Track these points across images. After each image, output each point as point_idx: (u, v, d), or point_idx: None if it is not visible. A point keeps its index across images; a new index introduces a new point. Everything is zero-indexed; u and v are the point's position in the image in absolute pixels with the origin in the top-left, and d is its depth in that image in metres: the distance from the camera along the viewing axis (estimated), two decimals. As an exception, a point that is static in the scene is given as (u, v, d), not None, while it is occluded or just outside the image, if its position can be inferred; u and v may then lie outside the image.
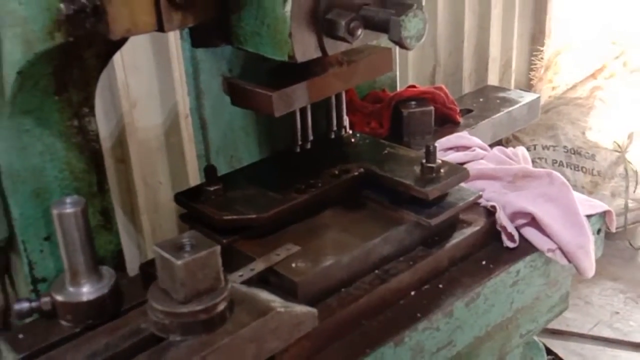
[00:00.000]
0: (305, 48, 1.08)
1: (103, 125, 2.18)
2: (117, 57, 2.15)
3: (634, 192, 3.46)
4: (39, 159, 1.17)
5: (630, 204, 3.44)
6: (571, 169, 3.55)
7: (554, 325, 2.83)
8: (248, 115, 1.54)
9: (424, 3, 1.16)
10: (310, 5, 1.06)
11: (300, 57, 1.08)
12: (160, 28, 1.05)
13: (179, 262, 0.96)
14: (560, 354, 2.68)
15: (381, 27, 1.08)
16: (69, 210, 1.08)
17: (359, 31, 1.08)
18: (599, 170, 3.52)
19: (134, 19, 1.01)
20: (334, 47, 1.11)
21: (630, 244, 3.49)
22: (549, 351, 1.95)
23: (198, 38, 1.20)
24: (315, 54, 1.10)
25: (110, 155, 2.33)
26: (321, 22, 1.07)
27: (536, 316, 1.46)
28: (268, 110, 1.23)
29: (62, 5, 1.00)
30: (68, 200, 1.09)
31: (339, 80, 1.32)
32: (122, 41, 1.09)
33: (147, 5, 1.02)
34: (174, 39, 2.26)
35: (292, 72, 1.20)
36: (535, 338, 1.61)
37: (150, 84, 2.39)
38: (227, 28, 1.13)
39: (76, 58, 1.12)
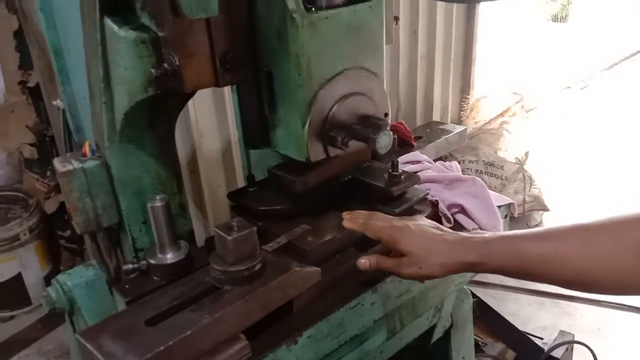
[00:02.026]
0: (316, 153, 1.12)
1: (181, 148, 2.19)
2: (190, 103, 2.16)
3: (529, 190, 3.46)
4: (138, 171, 1.16)
5: (527, 199, 3.44)
6: (488, 175, 3.55)
7: (477, 278, 2.83)
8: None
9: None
10: (318, 127, 1.08)
11: (313, 159, 1.12)
12: (217, 84, 1.04)
13: (230, 238, 0.96)
14: (482, 297, 2.67)
15: (363, 140, 1.11)
16: (158, 204, 1.08)
17: (350, 143, 1.11)
18: (506, 176, 3.51)
19: (200, 79, 1.01)
20: (334, 152, 1.14)
21: (527, 224, 3.49)
22: (474, 295, 1.94)
23: (250, 144, 1.23)
24: (322, 156, 1.14)
25: (186, 168, 2.33)
26: (326, 136, 1.10)
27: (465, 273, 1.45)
28: (293, 189, 1.26)
29: (152, 70, 0.99)
30: (158, 197, 1.09)
31: (338, 166, 1.32)
32: (192, 93, 1.08)
33: (208, 69, 1.01)
34: (228, 91, 2.26)
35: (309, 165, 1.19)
36: (465, 287, 1.60)
37: (212, 121, 2.39)
38: (268, 139, 1.17)
39: (162, 104, 1.11)
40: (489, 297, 2.81)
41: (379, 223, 1.10)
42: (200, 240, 1.40)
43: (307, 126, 1.06)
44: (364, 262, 1.10)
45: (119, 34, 0.98)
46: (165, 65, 0.97)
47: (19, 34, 2.57)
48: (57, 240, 2.97)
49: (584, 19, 8.38)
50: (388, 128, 1.11)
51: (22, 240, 2.65)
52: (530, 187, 3.44)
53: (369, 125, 1.11)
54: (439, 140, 2.41)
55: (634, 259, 0.83)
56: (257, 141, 1.18)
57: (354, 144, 1.11)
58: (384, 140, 1.09)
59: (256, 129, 1.15)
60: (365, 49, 1.11)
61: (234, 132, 2.38)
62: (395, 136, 1.95)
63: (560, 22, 8.76)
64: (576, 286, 0.94)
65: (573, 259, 0.89)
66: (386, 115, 1.19)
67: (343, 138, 1.09)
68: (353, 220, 1.14)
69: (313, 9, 0.99)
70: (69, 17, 1.23)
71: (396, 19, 1.31)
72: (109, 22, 0.99)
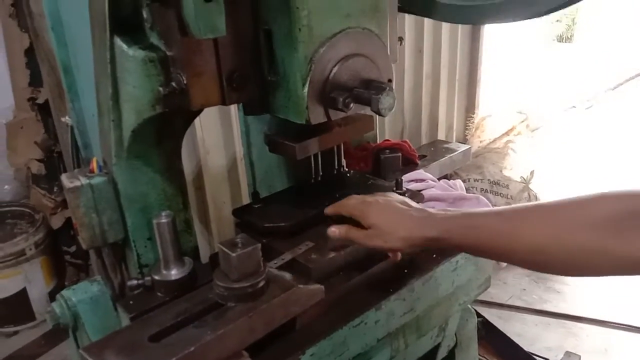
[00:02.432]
0: (316, 115, 1.08)
1: (187, 164, 2.20)
2: (196, 119, 2.18)
3: (534, 210, 3.43)
4: (145, 187, 1.17)
5: (532, 218, 3.41)
6: (493, 194, 3.54)
7: (482, 297, 2.81)
8: (280, 159, 1.54)
9: (394, 86, 1.16)
10: (319, 88, 1.05)
11: (314, 121, 1.07)
12: (223, 103, 1.05)
13: (234, 254, 0.96)
14: (487, 317, 2.65)
15: (366, 102, 1.08)
16: (164, 220, 1.09)
17: (351, 105, 1.07)
18: (512, 195, 3.50)
19: (206, 97, 1.02)
20: (335, 115, 1.10)
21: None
22: (479, 315, 1.92)
23: (248, 109, 1.19)
24: (323, 119, 1.09)
25: (191, 184, 2.34)
26: (327, 98, 1.07)
27: (469, 291, 1.44)
28: (293, 155, 1.23)
29: (160, 89, 1.01)
30: (163, 214, 1.10)
31: (339, 135, 1.31)
32: (199, 111, 1.09)
33: (215, 88, 1.03)
34: (234, 109, 2.28)
35: (309, 130, 1.19)
36: (469, 306, 1.59)
37: (218, 138, 2.41)
38: (266, 103, 1.12)
39: (169, 121, 1.12)
40: (494, 316, 2.79)
41: (351, 201, 1.16)
42: (204, 256, 1.40)
43: (307, 86, 1.02)
44: (333, 230, 1.14)
45: (128, 52, 1.00)
46: (173, 83, 0.99)
47: (29, 52, 2.61)
48: (62, 256, 2.98)
49: (588, 39, 8.41)
50: (391, 90, 1.08)
51: (27, 255, 2.66)
52: (536, 207, 3.43)
53: (371, 87, 1.08)
54: (443, 158, 2.42)
55: (587, 236, 0.82)
56: (255, 106, 1.15)
57: (356, 107, 1.08)
58: (387, 101, 1.05)
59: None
60: (369, 9, 1.07)
61: (240, 149, 2.39)
62: (400, 154, 1.97)
63: (566, 42, 8.80)
64: (532, 265, 0.94)
65: (529, 236, 0.89)
66: (390, 80, 1.16)
67: (344, 99, 1.05)
68: (332, 205, 1.20)
69: None
70: (80, 36, 1.26)
71: (400, 39, 1.33)
72: (118, 42, 1.01)
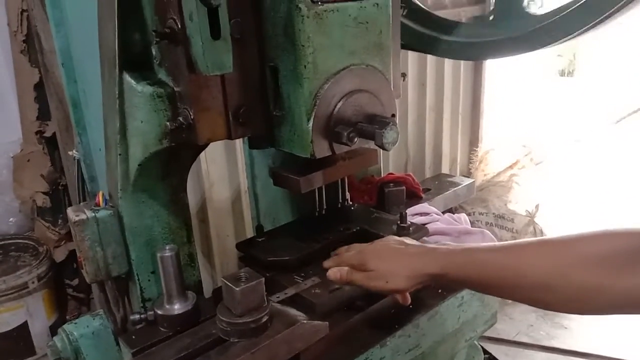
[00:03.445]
0: (321, 149, 1.08)
1: (191, 197, 2.20)
2: (201, 154, 2.19)
3: (540, 244, 3.41)
4: (150, 220, 1.18)
5: (538, 252, 3.39)
6: (498, 228, 3.53)
7: (488, 333, 2.76)
8: (284, 192, 1.54)
9: (397, 121, 1.17)
10: (324, 123, 1.07)
11: (318, 155, 1.08)
12: (230, 137, 1.06)
13: (238, 289, 0.96)
14: (493, 353, 2.60)
15: (370, 136, 1.09)
16: (167, 254, 1.09)
17: (356, 139, 1.08)
18: (517, 229, 3.48)
19: (213, 132, 1.03)
20: (340, 149, 1.11)
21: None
22: (485, 351, 1.89)
23: (254, 143, 1.21)
24: (328, 153, 1.10)
25: (195, 217, 2.34)
26: (331, 133, 1.08)
27: (475, 327, 1.43)
28: (297, 188, 1.23)
29: (168, 123, 1.03)
30: (167, 247, 1.10)
31: (343, 169, 1.31)
32: (205, 145, 1.10)
33: (221, 123, 1.04)
34: (239, 141, 2.30)
35: (313, 164, 1.20)
36: (475, 342, 1.57)
37: (222, 171, 2.42)
38: (272, 137, 1.13)
39: (176, 155, 1.14)
40: (501, 353, 2.74)
41: (349, 252, 1.17)
42: (207, 290, 1.39)
43: (312, 121, 1.04)
44: (335, 272, 1.13)
45: (137, 88, 1.02)
46: (180, 118, 1.01)
47: (39, 87, 2.66)
48: (64, 289, 2.97)
49: (590, 74, 8.51)
50: (395, 125, 1.09)
51: (30, 288, 2.65)
52: (542, 241, 3.41)
53: (375, 122, 1.10)
54: (447, 192, 2.41)
55: (586, 274, 0.82)
56: (260, 140, 1.16)
57: (360, 142, 1.09)
58: (391, 136, 1.06)
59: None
60: (372, 47, 1.09)
61: (244, 181, 2.40)
62: (404, 187, 1.97)
63: (567, 76, 8.90)
64: (536, 302, 0.93)
65: (533, 272, 0.89)
66: (393, 115, 1.17)
67: (349, 133, 1.06)
68: (332, 258, 1.20)
69: (319, 2, 1.00)
70: (89, 72, 1.29)
71: (403, 75, 1.35)
72: (127, 78, 1.03)
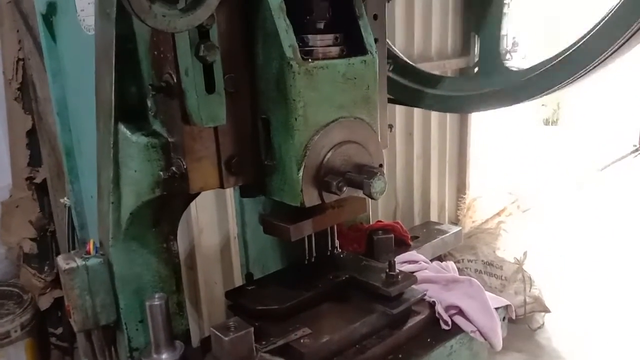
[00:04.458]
0: (311, 198, 1.11)
1: (180, 244, 2.19)
2: (192, 201, 2.20)
3: (529, 291, 3.42)
4: (139, 268, 1.18)
5: (528, 300, 3.39)
6: (487, 275, 3.53)
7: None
8: (274, 239, 1.55)
9: (385, 169, 1.20)
10: (314, 173, 1.09)
11: (308, 204, 1.11)
12: (222, 186, 1.08)
13: (226, 338, 0.96)
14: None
15: (358, 185, 1.11)
16: (156, 302, 1.09)
17: (345, 188, 1.11)
18: (506, 276, 3.49)
19: (205, 181, 1.06)
20: (329, 198, 1.13)
21: (529, 327, 3.41)
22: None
23: (245, 192, 1.23)
24: (317, 201, 1.12)
25: (183, 263, 2.33)
26: (321, 182, 1.11)
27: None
28: (287, 236, 1.24)
29: (161, 173, 1.05)
30: (156, 296, 1.10)
31: (333, 217, 1.33)
32: (197, 194, 1.12)
33: (214, 173, 1.07)
34: (229, 189, 2.31)
35: (303, 212, 1.21)
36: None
37: (212, 217, 2.43)
38: (263, 185, 1.16)
39: (167, 204, 1.15)
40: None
41: None
42: (194, 339, 1.38)
43: (302, 171, 1.06)
44: None
45: (132, 139, 1.05)
46: (174, 168, 1.03)
47: (31, 133, 2.68)
48: (47, 338, 2.89)
49: (573, 122, 8.75)
50: (383, 175, 1.12)
51: (12, 337, 2.58)
52: (531, 288, 3.41)
53: (363, 172, 1.12)
54: (435, 240, 2.44)
55: None
56: (251, 189, 1.18)
57: (349, 190, 1.11)
58: (379, 185, 1.09)
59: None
60: (360, 101, 1.14)
61: (234, 228, 2.41)
62: (392, 235, 1.98)
63: (552, 125, 9.14)
64: None
65: None
66: (381, 165, 1.20)
67: (338, 183, 1.09)
68: None
69: (310, 59, 1.05)
70: (83, 122, 1.32)
71: (390, 126, 1.40)
72: (122, 128, 1.06)
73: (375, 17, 1.38)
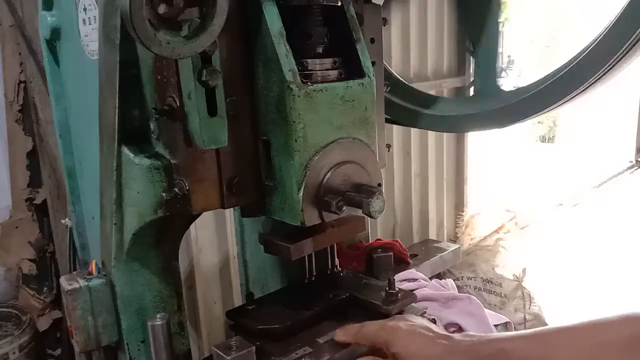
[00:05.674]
0: (311, 217, 1.12)
1: (180, 263, 2.21)
2: (192, 221, 2.21)
3: (529, 308, 3.42)
4: (141, 289, 1.19)
5: (528, 317, 3.39)
6: (487, 292, 3.53)
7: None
8: (274, 258, 1.56)
9: (384, 188, 1.22)
10: (314, 193, 1.11)
11: (308, 223, 1.12)
12: (223, 206, 1.10)
13: (229, 357, 0.97)
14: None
15: (357, 205, 1.13)
16: (158, 322, 1.10)
17: (344, 208, 1.13)
18: (505, 293, 3.49)
19: (207, 201, 1.08)
20: (329, 217, 1.15)
21: (530, 345, 3.39)
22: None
23: (246, 211, 1.24)
24: (317, 221, 1.14)
25: (184, 283, 2.33)
26: (321, 202, 1.13)
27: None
28: (287, 255, 1.25)
29: (163, 194, 1.07)
30: (158, 316, 1.11)
31: (332, 236, 1.34)
32: (199, 214, 1.13)
33: (215, 193, 1.08)
34: (228, 209, 2.32)
35: (303, 231, 1.23)
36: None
37: (212, 237, 2.44)
38: (263, 205, 1.18)
39: (169, 224, 1.17)
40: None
41: (370, 328, 1.14)
42: (194, 359, 1.38)
43: (302, 191, 1.08)
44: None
45: (135, 161, 1.07)
46: (176, 189, 1.05)
47: (31, 154, 2.71)
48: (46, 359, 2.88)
49: (569, 140, 8.82)
50: (381, 194, 1.13)
51: (11, 359, 2.57)
52: (530, 305, 3.41)
53: (362, 191, 1.14)
54: (434, 258, 2.46)
55: (619, 358, 0.84)
56: (252, 208, 1.19)
57: (348, 210, 1.13)
58: (377, 204, 1.11)
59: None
60: (358, 122, 1.16)
61: (233, 247, 2.42)
62: (392, 253, 2.00)
63: (548, 142, 9.21)
64: None
65: None
66: (379, 185, 1.22)
67: (337, 202, 1.11)
68: (346, 332, 1.17)
69: (309, 83, 1.08)
70: (86, 144, 1.34)
71: (388, 146, 1.42)
72: (125, 150, 1.09)
73: (372, 40, 1.42)
